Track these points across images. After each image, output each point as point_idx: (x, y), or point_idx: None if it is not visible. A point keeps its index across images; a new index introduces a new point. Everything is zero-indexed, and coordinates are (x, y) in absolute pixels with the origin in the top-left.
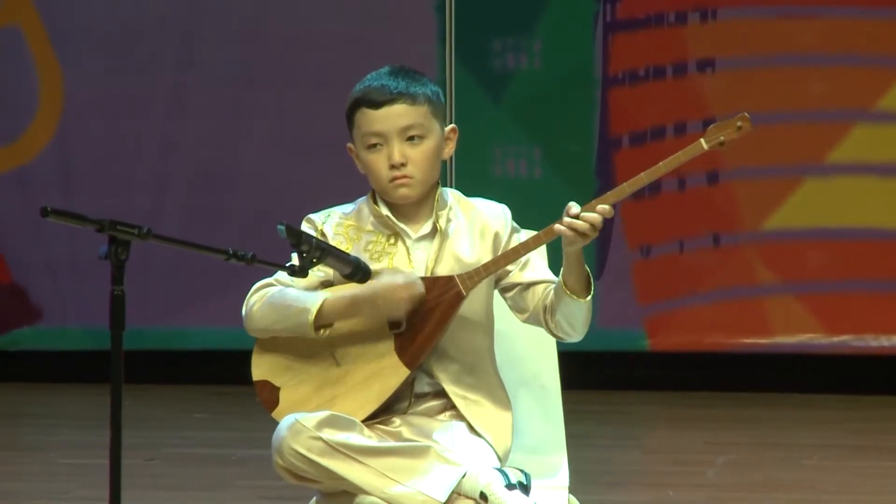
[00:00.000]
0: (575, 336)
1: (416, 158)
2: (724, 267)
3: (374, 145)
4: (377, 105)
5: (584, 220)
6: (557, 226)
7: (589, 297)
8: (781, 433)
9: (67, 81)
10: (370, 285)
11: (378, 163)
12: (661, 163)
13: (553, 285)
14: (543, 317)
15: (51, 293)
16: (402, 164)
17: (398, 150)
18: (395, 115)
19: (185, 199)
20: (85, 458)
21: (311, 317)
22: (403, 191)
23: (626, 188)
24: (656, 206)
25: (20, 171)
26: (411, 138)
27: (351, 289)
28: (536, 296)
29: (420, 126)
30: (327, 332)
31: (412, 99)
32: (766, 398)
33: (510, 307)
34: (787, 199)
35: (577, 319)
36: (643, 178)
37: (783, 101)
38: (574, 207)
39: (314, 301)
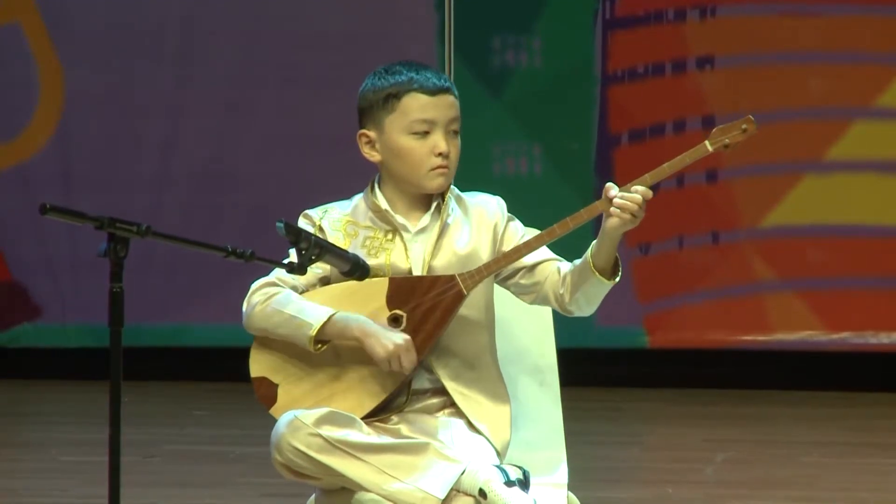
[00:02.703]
0: (589, 312)
1: (455, 151)
2: (723, 264)
3: (421, 132)
4: (433, 92)
5: (632, 201)
6: (613, 209)
7: (616, 279)
8: (781, 430)
9: (67, 79)
10: (377, 327)
11: (421, 150)
12: (665, 164)
13: (559, 263)
14: (555, 294)
15: (50, 290)
16: (448, 155)
17: (446, 140)
18: (447, 105)
19: (184, 197)
20: (84, 455)
21: (313, 332)
22: (441, 180)
23: (629, 188)
24: (655, 204)
25: (20, 169)
26: (452, 131)
27: (355, 298)
28: (543, 276)
29: (458, 120)
30: (324, 347)
31: (455, 92)
32: (765, 395)
33: (514, 293)
34: (786, 196)
35: (597, 298)
36: (647, 179)
37: (782, 98)
38: (613, 189)
39: (318, 318)
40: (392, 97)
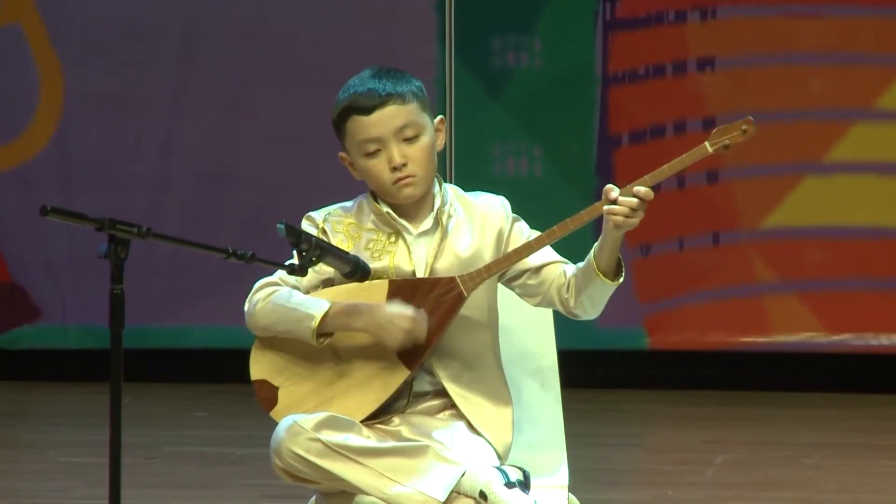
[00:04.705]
0: (594, 315)
1: (415, 156)
2: (723, 265)
3: (373, 152)
4: (368, 110)
5: (629, 205)
6: (611, 206)
7: (620, 280)
8: (781, 432)
9: (68, 80)
10: (379, 306)
11: (378, 167)
12: (665, 165)
13: (564, 265)
14: (560, 297)
15: (50, 292)
16: (404, 165)
17: (397, 152)
18: (388, 118)
19: (184, 198)
20: (85, 456)
21: (315, 324)
22: (408, 190)
23: (630, 190)
24: (656, 205)
25: (20, 170)
26: (407, 138)
27: (356, 300)
28: (549, 278)
29: (414, 124)
30: (327, 341)
31: (401, 98)
32: (765, 397)
33: (519, 294)
34: (786, 197)
35: (602, 300)
36: (647, 181)
37: (783, 99)
38: (613, 191)
39: (318, 309)
40: (340, 121)
